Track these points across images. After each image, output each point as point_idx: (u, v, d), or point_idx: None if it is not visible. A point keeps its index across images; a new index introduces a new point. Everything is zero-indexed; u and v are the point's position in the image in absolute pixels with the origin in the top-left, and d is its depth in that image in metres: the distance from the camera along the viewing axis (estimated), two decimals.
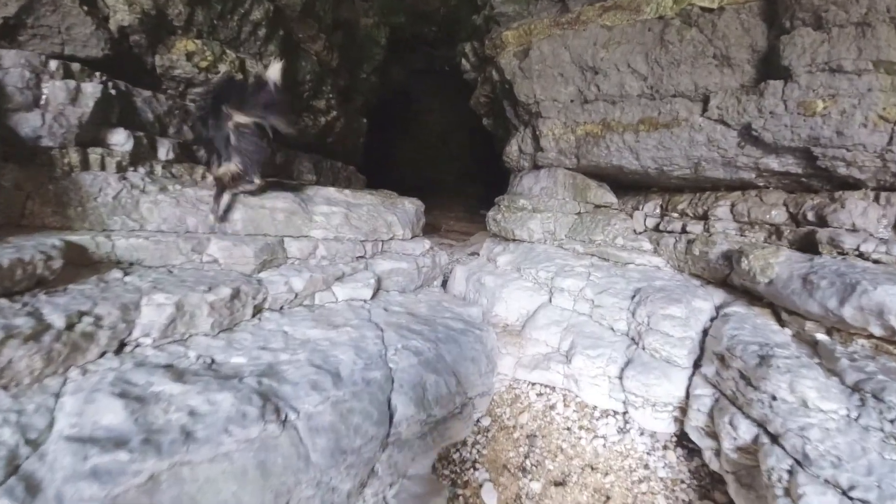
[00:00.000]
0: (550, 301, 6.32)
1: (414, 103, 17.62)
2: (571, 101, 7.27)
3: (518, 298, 6.60)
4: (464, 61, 10.37)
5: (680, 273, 6.59)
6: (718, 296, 5.80)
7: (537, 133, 7.87)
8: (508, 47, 7.75)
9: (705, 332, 5.10)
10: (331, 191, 6.26)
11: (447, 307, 5.68)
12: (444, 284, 8.50)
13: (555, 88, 7.27)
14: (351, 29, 10.59)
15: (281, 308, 4.74)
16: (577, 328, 5.68)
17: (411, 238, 6.32)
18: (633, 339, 5.37)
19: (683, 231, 6.79)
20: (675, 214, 7.23)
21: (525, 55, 7.38)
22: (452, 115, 17.21)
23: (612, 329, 5.60)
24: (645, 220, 7.51)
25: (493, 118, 10.47)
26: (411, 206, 6.68)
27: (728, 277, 5.94)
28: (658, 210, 7.58)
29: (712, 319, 5.19)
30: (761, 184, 6.49)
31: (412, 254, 6.18)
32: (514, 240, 7.98)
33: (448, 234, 16.57)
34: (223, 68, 6.54)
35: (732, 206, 6.50)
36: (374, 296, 5.48)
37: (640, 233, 7.38)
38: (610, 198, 7.71)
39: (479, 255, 8.63)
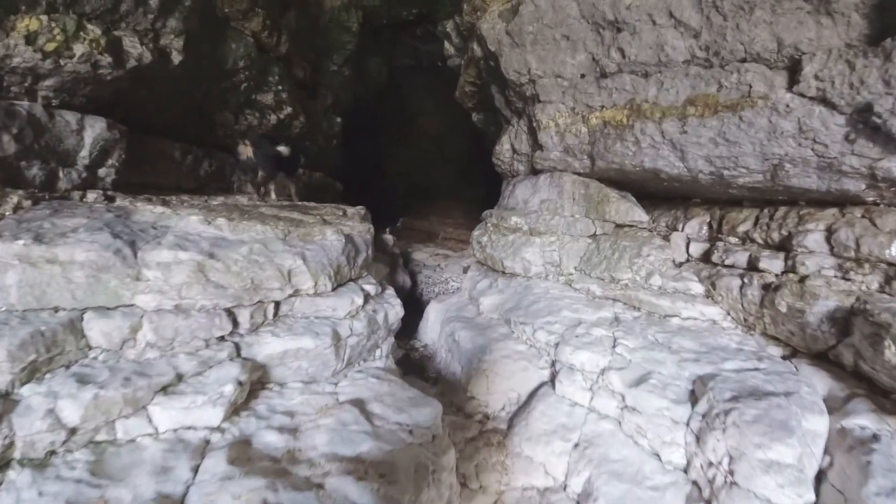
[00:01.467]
0: (554, 385, 3.78)
1: (405, 105, 15.31)
2: (582, 75, 4.73)
3: (505, 372, 4.09)
4: (447, 44, 7.84)
5: (748, 332, 4.03)
6: (818, 381, 3.28)
7: (534, 125, 5.33)
8: (492, 5, 5.21)
9: (820, 476, 2.62)
10: (191, 221, 3.71)
11: (378, 413, 3.19)
12: (415, 333, 6.09)
13: (557, 59, 4.73)
14: (309, 10, 8.14)
15: (45, 457, 2.34)
16: (599, 449, 3.14)
17: (334, 289, 3.85)
18: (699, 487, 2.81)
19: (753, 268, 4.20)
20: (734, 240, 4.64)
21: (514, 13, 4.84)
22: (447, 116, 14.93)
23: (659, 457, 3.03)
24: (687, 245, 4.94)
25: (482, 112, 7.92)
26: (337, 237, 4.03)
27: (833, 350, 3.43)
28: (705, 231, 5.01)
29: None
30: (871, 199, 3.92)
31: (331, 317, 3.73)
32: (504, 272, 5.45)
33: (446, 243, 14.49)
34: (80, 51, 4.13)
35: (829, 231, 3.92)
36: (239, 408, 3.01)
37: (682, 264, 4.81)
38: (637, 214, 5.16)
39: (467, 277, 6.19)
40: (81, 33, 4.17)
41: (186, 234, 3.55)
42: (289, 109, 7.51)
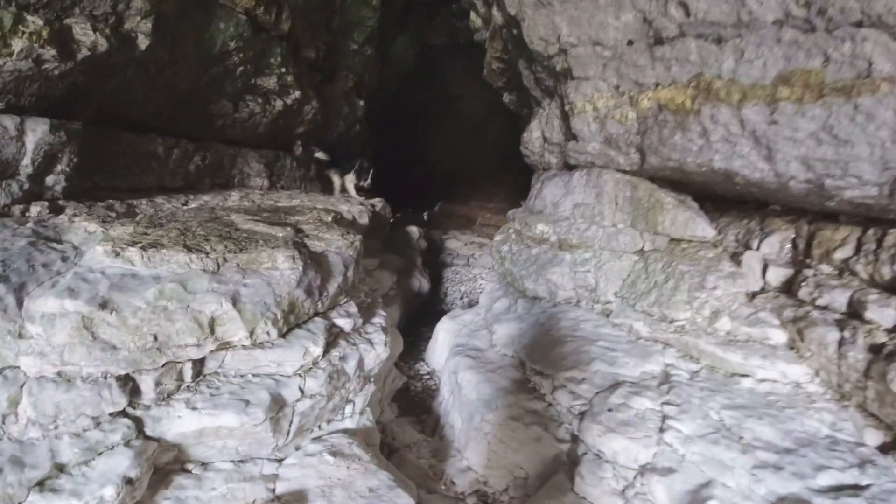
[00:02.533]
0: (573, 477, 2.63)
1: (443, 87, 14.16)
2: (629, 42, 3.40)
3: (511, 441, 2.96)
4: (472, 15, 6.54)
5: (842, 402, 2.72)
6: None
7: (566, 108, 4.05)
8: None
9: None
10: (97, 253, 2.65)
11: None
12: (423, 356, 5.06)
13: (595, 20, 3.39)
14: None
15: None
16: None
17: (285, 334, 2.76)
18: None
19: (856, 315, 2.83)
20: (829, 269, 3.24)
21: None
22: (487, 98, 13.68)
23: None
24: (764, 269, 3.59)
25: (513, 92, 6.64)
26: (291, 265, 2.87)
27: None
28: (788, 251, 3.62)
29: None
30: None
31: (275, 374, 2.67)
32: (525, 293, 4.25)
33: (483, 229, 13.49)
34: (19, 46, 3.20)
35: None
36: None
37: (757, 295, 3.48)
38: (700, 227, 3.78)
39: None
40: (20, 27, 3.23)
41: (89, 269, 2.57)
42: (297, 94, 6.47)
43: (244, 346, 2.63)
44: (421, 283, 6.25)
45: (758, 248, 3.78)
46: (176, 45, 4.74)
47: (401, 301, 5.29)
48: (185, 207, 4.46)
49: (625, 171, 3.95)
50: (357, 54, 8.30)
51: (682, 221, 3.76)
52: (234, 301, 2.57)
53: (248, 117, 6.25)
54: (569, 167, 4.50)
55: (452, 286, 7.80)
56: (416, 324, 5.95)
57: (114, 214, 3.70)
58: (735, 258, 3.70)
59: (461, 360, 3.77)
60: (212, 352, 2.55)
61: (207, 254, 2.77)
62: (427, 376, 4.55)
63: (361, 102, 8.81)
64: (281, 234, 3.39)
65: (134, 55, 4.13)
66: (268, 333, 2.67)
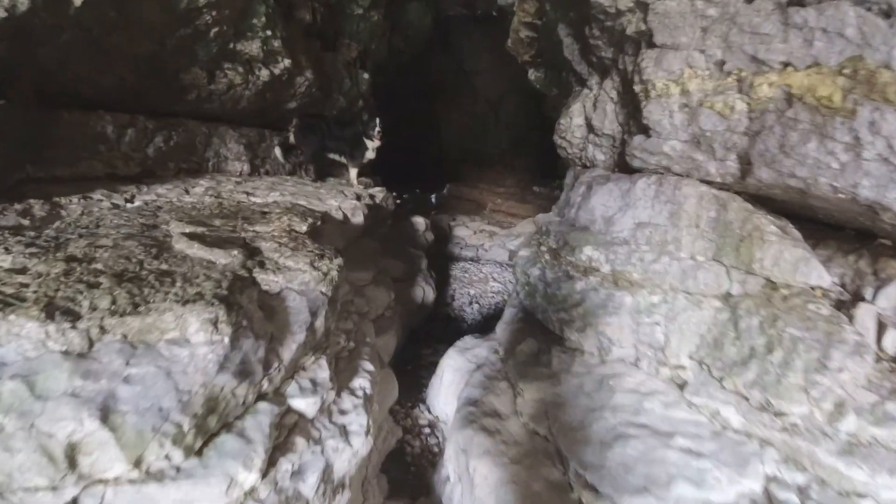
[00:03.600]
0: None
1: (458, 62, 12.87)
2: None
3: None
4: None
5: None
6: None
7: (636, 88, 2.81)
8: None
9: None
10: None
11: None
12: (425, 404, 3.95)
13: None
14: None
15: None
16: None
17: (200, 449, 1.65)
18: None
19: None
20: None
21: None
22: (504, 76, 12.32)
23: None
24: (880, 331, 2.44)
25: (542, 68, 5.36)
26: (209, 337, 1.64)
27: None
28: None
29: None
30: None
31: None
32: (562, 343, 3.09)
33: (493, 216, 12.45)
34: None
35: None
36: None
37: (891, 372, 2.35)
38: (816, 272, 2.49)
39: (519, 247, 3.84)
40: None
41: None
42: (286, 62, 5.22)
43: (130, 481, 1.53)
44: (425, 291, 5.11)
45: (873, 299, 2.61)
46: (127, 1, 3.57)
47: (399, 320, 4.18)
48: (127, 206, 3.33)
49: (711, 183, 2.75)
50: (362, 19, 6.98)
51: (789, 261, 2.56)
52: (106, 413, 1.44)
53: (227, 89, 5.03)
54: (627, 170, 3.28)
55: (461, 287, 6.66)
56: (417, 342, 4.85)
57: (27, 222, 2.57)
58: (839, 307, 2.53)
59: (474, 437, 2.65)
60: (85, 488, 1.46)
61: (77, 319, 1.64)
62: (428, 430, 3.45)
63: (366, 75, 7.52)
64: (222, 263, 2.25)
65: (68, 14, 2.98)
66: (167, 457, 1.56)
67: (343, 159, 5.49)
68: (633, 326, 2.76)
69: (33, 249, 2.06)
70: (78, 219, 2.77)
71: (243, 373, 1.77)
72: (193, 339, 1.68)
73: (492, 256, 9.14)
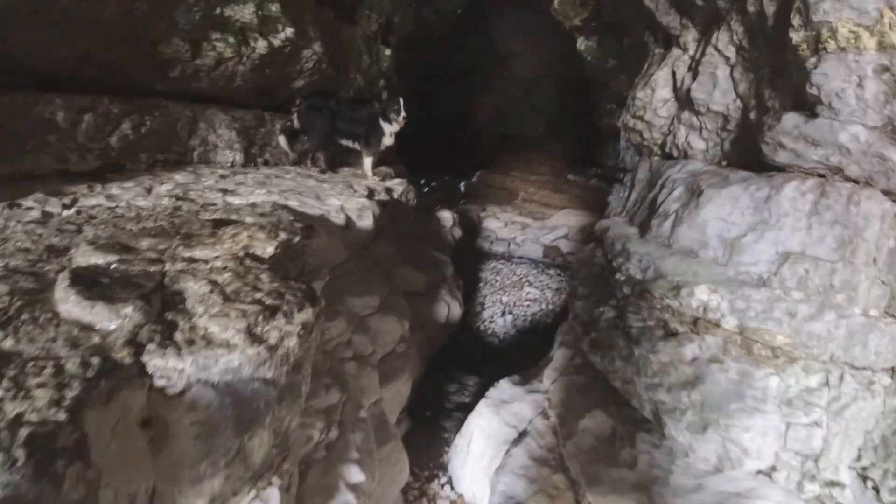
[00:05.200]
0: None
1: (493, 43, 11.84)
2: None
3: None
4: None
5: None
6: None
7: (799, 32, 1.64)
8: None
9: None
10: None
11: None
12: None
13: None
14: None
15: None
16: None
17: None
18: None
19: None
20: None
21: None
22: (538, 59, 11.51)
23: None
24: None
25: (597, 35, 4.14)
26: None
27: None
28: None
29: None
30: None
31: None
32: (652, 429, 1.94)
33: (525, 205, 11.45)
34: None
35: None
36: None
37: None
38: None
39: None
40: None
41: None
42: (288, 31, 4.15)
43: None
44: (450, 308, 4.01)
45: None
46: None
47: (415, 354, 3.12)
48: (63, 215, 2.40)
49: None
50: None
51: None
52: None
53: (216, 64, 4.01)
54: (753, 165, 2.09)
55: (492, 294, 5.56)
56: (438, 371, 3.78)
57: None
58: None
59: None
60: None
61: None
62: None
63: (388, 51, 6.40)
64: (104, 330, 1.23)
65: None
66: None
67: (356, 146, 4.42)
68: (780, 427, 1.62)
69: None
70: None
71: None
72: None
73: (525, 253, 8.02)
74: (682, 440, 1.72)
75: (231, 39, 3.98)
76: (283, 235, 2.07)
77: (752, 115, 2.09)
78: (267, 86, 4.57)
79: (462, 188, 12.33)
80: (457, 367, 3.96)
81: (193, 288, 1.53)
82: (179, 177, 3.41)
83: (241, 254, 1.83)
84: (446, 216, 6.06)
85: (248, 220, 2.25)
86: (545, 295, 5.44)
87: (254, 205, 2.70)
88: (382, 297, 2.91)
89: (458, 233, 6.18)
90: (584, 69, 8.38)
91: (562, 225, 10.33)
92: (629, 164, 10.43)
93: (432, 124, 11.80)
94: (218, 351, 1.24)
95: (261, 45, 4.17)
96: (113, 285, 1.52)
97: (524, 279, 5.91)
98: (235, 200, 2.98)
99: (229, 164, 4.07)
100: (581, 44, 4.57)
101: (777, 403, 1.67)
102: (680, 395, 1.74)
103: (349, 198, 3.30)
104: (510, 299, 5.44)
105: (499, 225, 9.81)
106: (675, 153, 2.58)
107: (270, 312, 1.40)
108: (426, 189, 12.31)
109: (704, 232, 2.01)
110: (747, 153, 2.08)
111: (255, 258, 1.87)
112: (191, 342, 1.28)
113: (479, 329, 4.93)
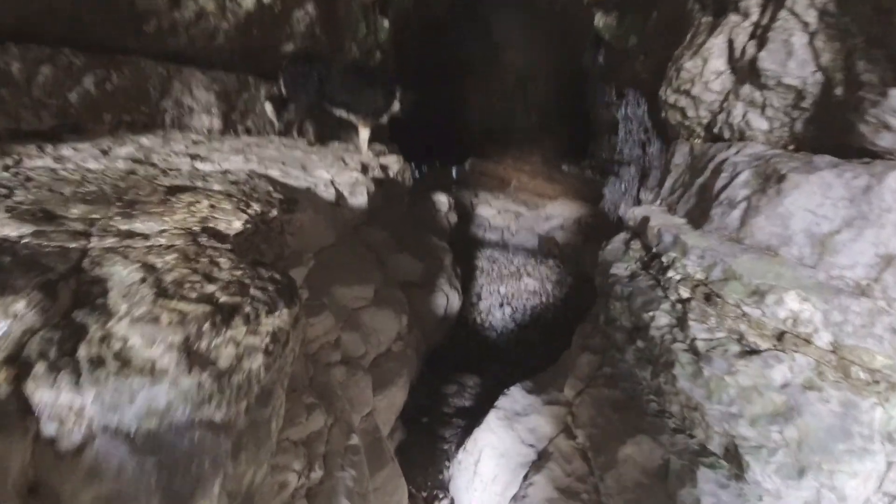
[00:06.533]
0: None
1: (488, 32, 11.38)
2: None
3: None
4: None
5: None
6: None
7: None
8: None
9: None
10: None
11: None
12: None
13: None
14: None
15: None
16: None
17: None
18: None
19: None
20: None
21: None
22: (533, 51, 10.97)
23: None
24: None
25: (618, 11, 3.66)
26: None
27: None
28: None
29: None
30: None
31: None
32: (715, 463, 1.53)
33: (518, 194, 11.00)
34: None
35: None
36: None
37: None
38: None
39: None
40: None
41: None
42: None
43: None
44: (449, 299, 3.54)
45: None
46: None
47: (413, 353, 2.66)
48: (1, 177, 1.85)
49: None
50: None
51: None
52: None
53: (196, 18, 3.42)
54: (842, 152, 1.64)
55: (489, 284, 5.11)
56: (435, 369, 3.31)
57: None
58: None
59: None
60: None
61: None
62: None
63: (386, 23, 5.83)
64: None
65: None
66: None
67: (351, 117, 3.86)
68: (882, 469, 1.21)
69: None
70: None
71: None
72: None
73: (520, 242, 7.57)
74: (769, 486, 1.30)
75: None
76: (255, 208, 1.58)
77: (839, 91, 1.65)
78: (253, 48, 4.00)
79: (454, 174, 11.83)
80: (454, 363, 3.51)
81: (121, 274, 1.04)
82: (146, 140, 2.86)
83: (197, 228, 1.33)
84: (442, 200, 5.58)
85: (216, 187, 1.74)
86: (545, 287, 5.01)
87: (226, 172, 2.18)
88: (376, 288, 2.43)
89: (453, 218, 5.70)
90: (582, 62, 7.88)
91: (557, 215, 9.91)
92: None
93: (424, 110, 11.27)
94: (135, 381, 0.76)
95: (247, 3, 3.62)
96: (12, 268, 1.03)
97: (522, 269, 5.48)
98: (205, 167, 2.46)
99: (206, 130, 3.51)
100: (599, 20, 4.08)
101: (881, 440, 1.26)
102: (769, 430, 1.31)
103: (340, 171, 2.79)
104: (508, 291, 5.00)
105: (492, 213, 9.34)
106: (727, 134, 2.13)
107: (224, 317, 0.92)
108: (418, 173, 11.81)
109: (788, 225, 1.58)
110: (825, 136, 1.66)
111: (215, 234, 1.38)
112: (97, 362, 0.79)
113: (475, 321, 4.48)
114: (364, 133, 3.80)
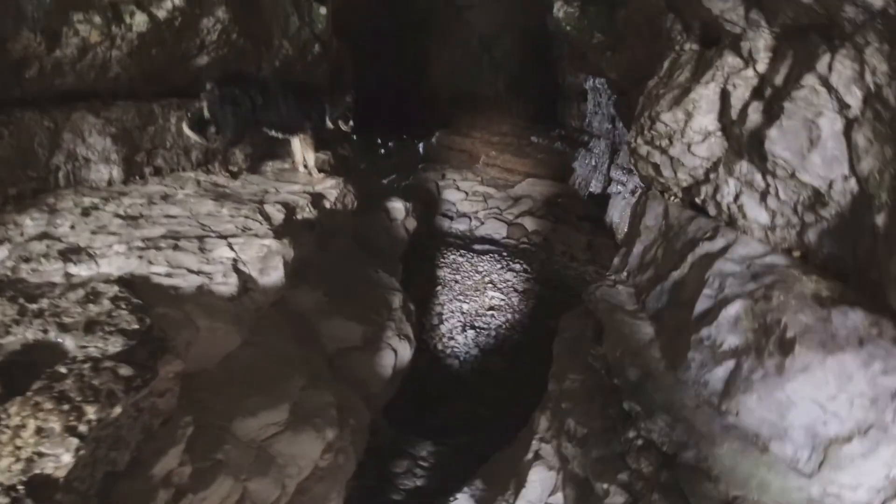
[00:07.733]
0: None
1: None
2: None
3: None
4: None
5: None
6: None
7: None
8: None
9: None
10: None
11: None
12: None
13: None
14: None
15: None
16: None
17: None
18: None
19: None
20: None
21: None
22: (498, 10, 10.63)
23: None
24: None
25: (580, 1, 3.17)
26: None
27: None
28: None
29: None
30: None
31: None
32: None
33: (488, 170, 11.08)
34: None
35: None
36: None
37: None
38: None
39: None
40: None
41: None
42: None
43: None
44: (399, 352, 3.13)
45: None
46: None
47: (348, 457, 2.29)
48: None
49: None
50: None
51: None
52: None
53: (80, 53, 2.79)
54: (868, 302, 1.22)
55: (450, 301, 4.76)
56: (381, 442, 2.97)
57: None
58: None
59: None
60: None
61: None
62: None
63: (323, 10, 5.09)
64: None
65: None
66: None
67: (293, 138, 3.49)
68: None
69: None
70: None
71: None
72: None
73: (487, 232, 7.24)
74: None
75: (97, 19, 2.78)
76: (90, 415, 1.18)
77: (881, 221, 1.20)
78: (157, 70, 3.37)
79: (420, 150, 11.23)
80: (406, 413, 3.21)
81: None
82: (30, 221, 2.35)
83: (22, 481, 0.97)
84: (398, 207, 5.08)
85: (61, 369, 1.32)
86: (510, 301, 4.70)
87: (91, 296, 1.73)
88: (295, 399, 2.06)
89: (412, 224, 5.23)
90: (547, 24, 7.19)
91: (525, 196, 9.58)
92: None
93: (385, 81, 10.63)
94: None
95: (139, 21, 2.98)
96: None
97: (487, 278, 5.12)
98: (81, 270, 2.00)
99: (105, 183, 2.97)
100: (559, 10, 3.53)
101: None
102: None
103: (248, 240, 2.34)
104: (471, 307, 4.67)
105: (460, 197, 8.94)
106: (713, 211, 1.70)
107: None
108: (382, 151, 11.17)
109: (786, 416, 1.24)
110: (846, 264, 1.26)
111: (43, 484, 1.02)
112: None
113: (435, 348, 4.17)
114: (311, 158, 3.41)
